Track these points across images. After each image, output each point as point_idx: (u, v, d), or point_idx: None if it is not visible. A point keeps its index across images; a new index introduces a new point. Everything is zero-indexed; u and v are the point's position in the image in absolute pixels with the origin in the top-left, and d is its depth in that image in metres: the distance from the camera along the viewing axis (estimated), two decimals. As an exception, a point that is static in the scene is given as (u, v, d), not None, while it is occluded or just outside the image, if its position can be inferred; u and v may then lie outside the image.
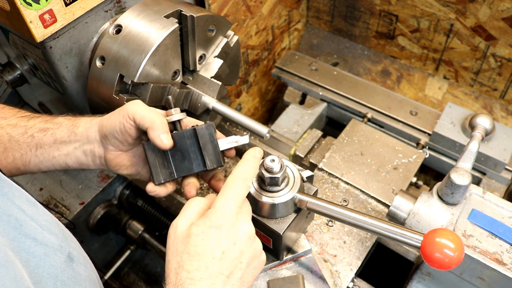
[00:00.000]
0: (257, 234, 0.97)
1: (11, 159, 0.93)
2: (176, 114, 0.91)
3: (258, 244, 0.81)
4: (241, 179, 0.82)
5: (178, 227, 0.77)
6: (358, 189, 1.30)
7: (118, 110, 0.90)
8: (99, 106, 1.14)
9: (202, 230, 0.75)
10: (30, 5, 0.93)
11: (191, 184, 0.95)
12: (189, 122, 0.97)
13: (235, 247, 0.76)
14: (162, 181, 0.92)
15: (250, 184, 0.84)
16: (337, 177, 1.33)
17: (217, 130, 0.97)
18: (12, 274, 0.55)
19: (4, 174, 0.76)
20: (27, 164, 0.94)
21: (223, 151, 0.95)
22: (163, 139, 0.86)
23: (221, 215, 0.76)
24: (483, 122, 1.07)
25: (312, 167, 1.45)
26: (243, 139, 0.93)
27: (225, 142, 0.93)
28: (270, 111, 2.23)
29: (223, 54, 1.28)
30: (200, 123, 0.95)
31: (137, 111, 0.87)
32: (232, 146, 0.94)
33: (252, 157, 0.86)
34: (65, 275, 0.66)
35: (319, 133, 1.57)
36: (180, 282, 0.71)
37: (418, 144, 1.56)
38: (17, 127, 0.92)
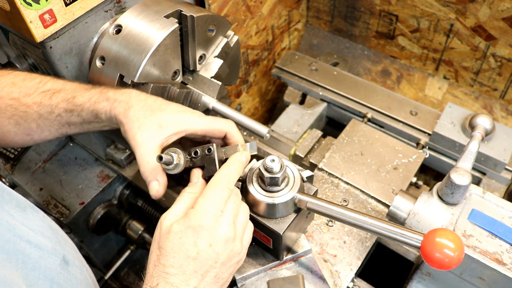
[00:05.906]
0: (257, 234, 0.98)
1: (47, 133, 0.98)
2: (175, 168, 0.88)
3: (236, 245, 0.82)
4: (223, 182, 0.83)
5: (163, 222, 0.79)
6: (358, 189, 1.30)
7: (132, 136, 0.88)
8: (99, 106, 1.14)
9: (181, 229, 0.77)
10: (30, 5, 0.93)
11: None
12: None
13: (210, 249, 0.77)
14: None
15: (233, 187, 0.85)
16: (337, 177, 1.32)
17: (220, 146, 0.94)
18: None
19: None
20: (65, 134, 1.00)
21: None
22: (152, 192, 0.88)
23: (200, 216, 0.78)
24: (483, 122, 1.07)
25: (312, 167, 1.45)
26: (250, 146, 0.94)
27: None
28: (270, 111, 2.23)
29: (223, 54, 1.28)
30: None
31: (138, 157, 0.88)
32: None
33: (237, 161, 0.87)
34: (61, 278, 0.66)
35: (319, 133, 1.57)
36: (156, 274, 0.75)
37: (418, 144, 1.56)
38: (42, 105, 0.94)
